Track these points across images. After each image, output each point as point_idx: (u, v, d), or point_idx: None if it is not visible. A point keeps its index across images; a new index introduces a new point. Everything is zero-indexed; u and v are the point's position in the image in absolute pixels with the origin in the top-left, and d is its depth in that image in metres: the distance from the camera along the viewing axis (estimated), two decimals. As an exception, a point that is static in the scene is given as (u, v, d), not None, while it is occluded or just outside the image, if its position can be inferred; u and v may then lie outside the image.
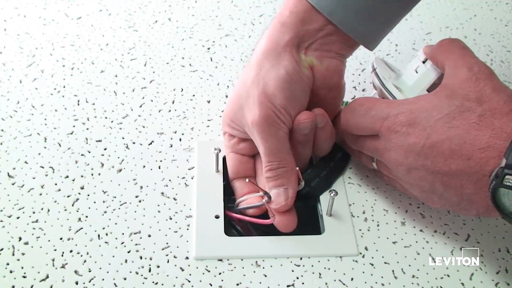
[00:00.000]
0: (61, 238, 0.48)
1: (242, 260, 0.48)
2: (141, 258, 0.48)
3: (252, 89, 0.48)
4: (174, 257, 0.48)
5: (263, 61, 0.48)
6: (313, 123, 0.49)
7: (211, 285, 0.46)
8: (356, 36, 0.49)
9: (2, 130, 0.57)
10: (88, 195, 0.52)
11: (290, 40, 0.48)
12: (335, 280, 0.47)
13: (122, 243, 0.48)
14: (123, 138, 0.58)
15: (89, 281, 0.46)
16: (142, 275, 0.46)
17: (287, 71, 0.48)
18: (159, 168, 0.55)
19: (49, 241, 0.48)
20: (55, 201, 0.51)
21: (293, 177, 0.49)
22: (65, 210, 0.51)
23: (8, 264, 0.46)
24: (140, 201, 0.52)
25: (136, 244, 0.48)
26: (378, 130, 0.47)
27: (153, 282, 0.46)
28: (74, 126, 0.58)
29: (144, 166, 0.55)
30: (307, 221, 0.52)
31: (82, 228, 0.49)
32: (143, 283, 0.46)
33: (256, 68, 0.49)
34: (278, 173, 0.49)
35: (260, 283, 0.47)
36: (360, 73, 0.68)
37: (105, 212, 0.51)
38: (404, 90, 0.52)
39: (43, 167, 0.54)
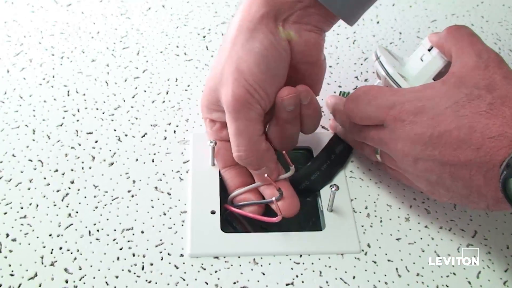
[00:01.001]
0: (50, 235, 0.48)
1: (239, 257, 0.48)
2: (133, 255, 0.47)
3: (226, 67, 0.47)
4: (168, 254, 0.48)
5: (238, 35, 0.47)
6: (297, 98, 0.48)
7: (207, 284, 0.46)
8: (334, 10, 0.48)
9: (-11, 122, 0.57)
10: (79, 190, 0.52)
11: (266, 13, 0.47)
12: (336, 279, 0.47)
13: (114, 239, 0.48)
14: (115, 130, 0.57)
15: (80, 280, 0.45)
16: (135, 273, 0.46)
17: (263, 45, 0.47)
18: (153, 161, 0.55)
19: (37, 237, 0.48)
20: (44, 196, 0.51)
21: (266, 157, 0.49)
22: (55, 205, 0.50)
23: (-5, 262, 0.46)
24: (132, 196, 0.52)
25: (128, 241, 0.48)
26: (383, 119, 0.47)
27: (146, 280, 0.46)
28: (63, 118, 0.58)
29: (137, 160, 0.55)
30: (307, 216, 0.52)
31: (72, 224, 0.49)
32: (136, 282, 0.46)
33: (231, 44, 0.48)
34: (250, 161, 0.48)
35: (258, 281, 0.47)
36: (363, 63, 0.67)
37: (96, 207, 0.51)
38: (409, 79, 0.52)
39: (31, 161, 0.54)
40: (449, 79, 0.46)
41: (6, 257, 0.47)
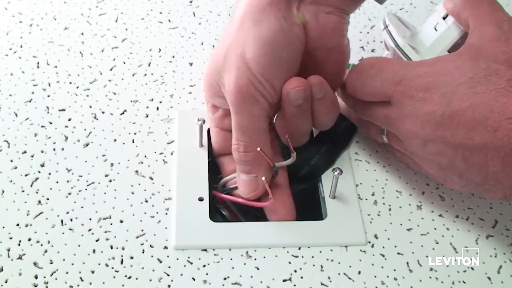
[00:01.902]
0: (17, 225, 0.48)
1: (230, 250, 0.48)
2: (111, 247, 0.47)
3: (231, 50, 0.47)
4: (151, 246, 0.48)
5: (246, 16, 0.47)
6: (306, 92, 0.47)
7: (194, 280, 0.46)
8: None
9: None
10: (50, 174, 0.52)
11: None
12: (339, 274, 0.47)
13: (90, 230, 0.48)
14: (90, 106, 0.57)
15: (51, 275, 0.45)
16: (113, 268, 0.46)
17: (272, 30, 0.46)
18: (133, 142, 0.55)
19: (3, 227, 0.48)
20: (11, 181, 0.51)
21: (264, 163, 0.48)
22: (23, 191, 0.50)
23: (-45, 255, 0.46)
24: (110, 181, 0.52)
25: (105, 232, 0.48)
26: (390, 95, 0.47)
27: (125, 276, 0.46)
28: (33, 93, 0.58)
29: (115, 140, 0.55)
30: (307, 204, 0.52)
31: (42, 213, 0.49)
32: (114, 277, 0.46)
33: (238, 24, 0.47)
34: (246, 158, 0.48)
35: (251, 277, 0.46)
36: (369, 31, 0.67)
37: (70, 193, 0.51)
38: (421, 51, 0.52)
39: (-4, 141, 0.54)
40: (465, 51, 0.46)
41: (-33, 250, 0.47)
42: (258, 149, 0.47)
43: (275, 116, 0.51)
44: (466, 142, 0.43)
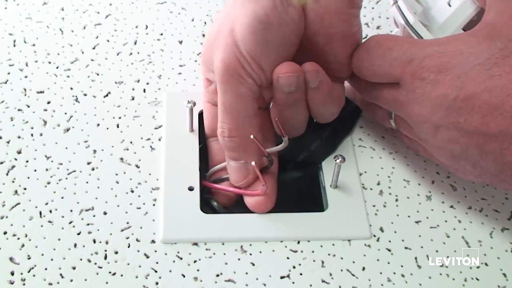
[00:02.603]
0: None
1: (223, 244, 0.48)
2: (94, 241, 0.47)
3: (223, 26, 0.48)
4: (137, 240, 0.48)
5: None
6: (299, 79, 0.47)
7: (184, 276, 0.46)
8: None
9: None
10: (27, 162, 0.52)
11: None
12: (341, 270, 0.47)
13: (70, 222, 0.48)
14: (71, 88, 0.57)
15: (28, 271, 0.45)
16: (95, 264, 0.46)
17: (265, 9, 0.46)
18: (118, 127, 0.55)
19: None
20: None
21: (252, 148, 0.48)
22: None
23: None
24: (93, 169, 0.52)
25: (88, 224, 0.48)
26: (399, 76, 0.47)
27: (109, 272, 0.46)
28: (8, 74, 0.58)
29: (98, 125, 0.55)
30: (306, 194, 0.53)
31: (19, 204, 0.49)
32: (97, 274, 0.45)
33: (233, 0, 0.48)
34: (232, 143, 0.48)
35: (246, 273, 0.46)
36: (374, 6, 0.67)
37: (49, 183, 0.50)
38: (434, 28, 0.52)
39: (-33, 126, 0.55)
40: (481, 30, 0.45)
41: None
42: (252, 136, 0.47)
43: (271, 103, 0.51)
44: (481, 128, 0.43)
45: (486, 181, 0.48)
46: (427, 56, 0.45)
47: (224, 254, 0.47)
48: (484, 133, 0.43)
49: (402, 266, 0.47)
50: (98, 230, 0.48)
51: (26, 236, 0.47)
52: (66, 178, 0.50)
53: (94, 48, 0.60)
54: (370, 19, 0.65)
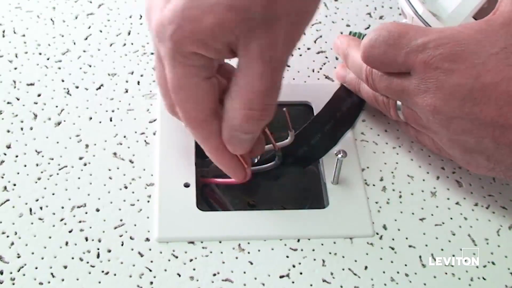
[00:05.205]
0: None
1: (220, 242, 0.48)
2: (86, 239, 0.47)
3: None
4: (131, 238, 0.48)
5: None
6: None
7: (179, 276, 0.46)
8: None
9: None
10: (17, 157, 0.51)
11: None
12: (343, 269, 0.47)
13: (62, 220, 0.48)
14: (62, 81, 0.57)
15: (18, 270, 0.45)
16: (88, 262, 0.46)
17: None
18: (111, 120, 0.55)
19: None
20: None
21: (212, 127, 0.46)
22: None
23: None
24: (85, 165, 0.51)
25: (80, 222, 0.48)
26: (410, 65, 0.46)
27: (102, 271, 0.46)
28: None
29: (90, 118, 0.55)
30: (307, 191, 0.52)
31: (8, 200, 0.49)
32: (90, 273, 0.45)
33: None
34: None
35: (244, 273, 0.46)
36: None
37: (39, 178, 0.50)
38: (443, 18, 0.52)
39: (-45, 120, 0.55)
40: (496, 18, 0.45)
41: None
42: (266, 130, 0.47)
43: None
44: (498, 119, 0.43)
45: (498, 175, 0.48)
46: (441, 44, 0.45)
47: (221, 252, 0.47)
48: (501, 125, 0.43)
49: (406, 265, 0.47)
50: (90, 227, 0.47)
51: (15, 234, 0.47)
52: (57, 174, 0.50)
53: (86, 38, 0.60)
54: (373, 8, 0.66)
